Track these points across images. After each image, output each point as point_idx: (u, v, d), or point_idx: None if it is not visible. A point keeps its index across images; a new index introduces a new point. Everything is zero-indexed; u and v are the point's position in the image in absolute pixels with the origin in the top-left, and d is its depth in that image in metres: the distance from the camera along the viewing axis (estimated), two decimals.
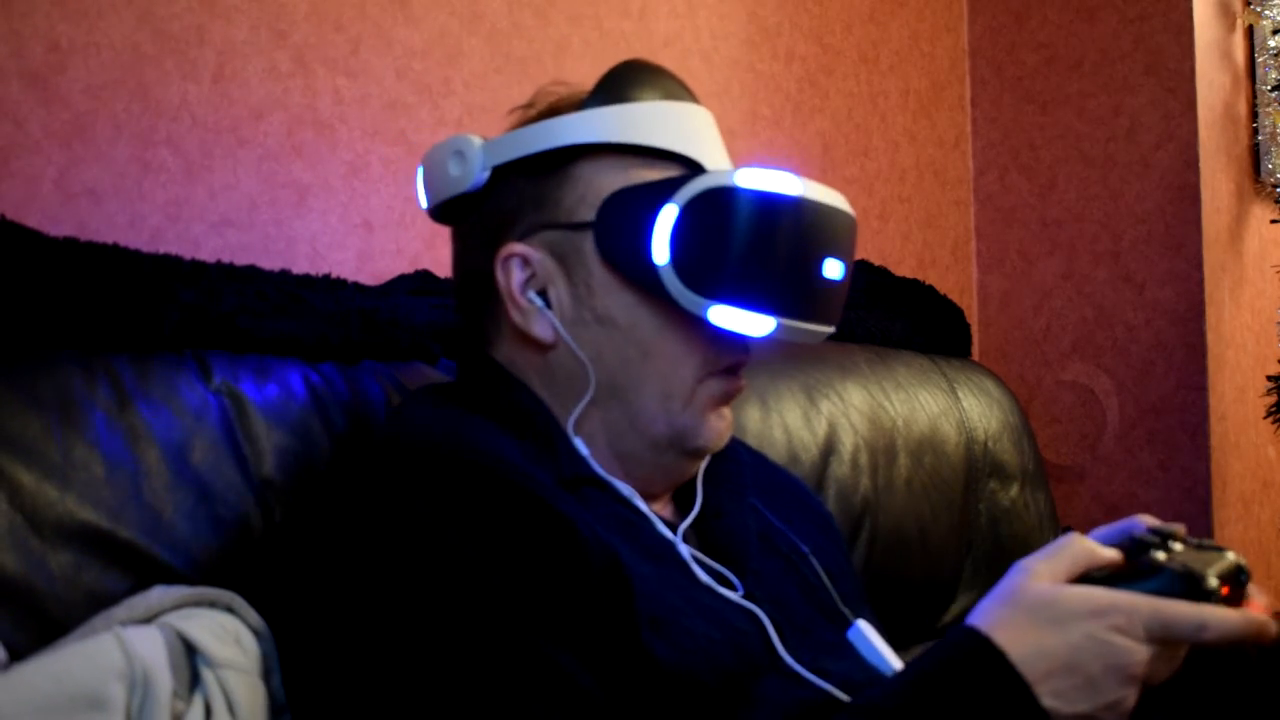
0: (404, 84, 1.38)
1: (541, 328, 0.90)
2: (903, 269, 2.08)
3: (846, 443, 1.48)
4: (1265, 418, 2.10)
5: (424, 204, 0.98)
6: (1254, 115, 2.23)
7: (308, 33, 1.29)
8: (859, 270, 1.87)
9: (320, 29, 1.30)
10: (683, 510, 0.96)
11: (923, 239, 2.18)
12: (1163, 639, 0.65)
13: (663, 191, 0.86)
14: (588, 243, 0.89)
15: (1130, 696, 0.66)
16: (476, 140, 0.93)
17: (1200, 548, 0.72)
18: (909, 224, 2.15)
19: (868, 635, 0.89)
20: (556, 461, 0.87)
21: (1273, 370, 2.14)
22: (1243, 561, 0.72)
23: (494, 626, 0.71)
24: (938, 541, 1.55)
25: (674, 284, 0.85)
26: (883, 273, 1.85)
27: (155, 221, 1.17)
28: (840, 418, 1.49)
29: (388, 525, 0.74)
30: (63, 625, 0.81)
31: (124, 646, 0.75)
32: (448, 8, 1.42)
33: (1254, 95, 2.22)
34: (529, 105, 0.96)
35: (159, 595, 0.82)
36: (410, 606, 0.71)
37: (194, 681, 0.78)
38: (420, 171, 0.98)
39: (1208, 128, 2.07)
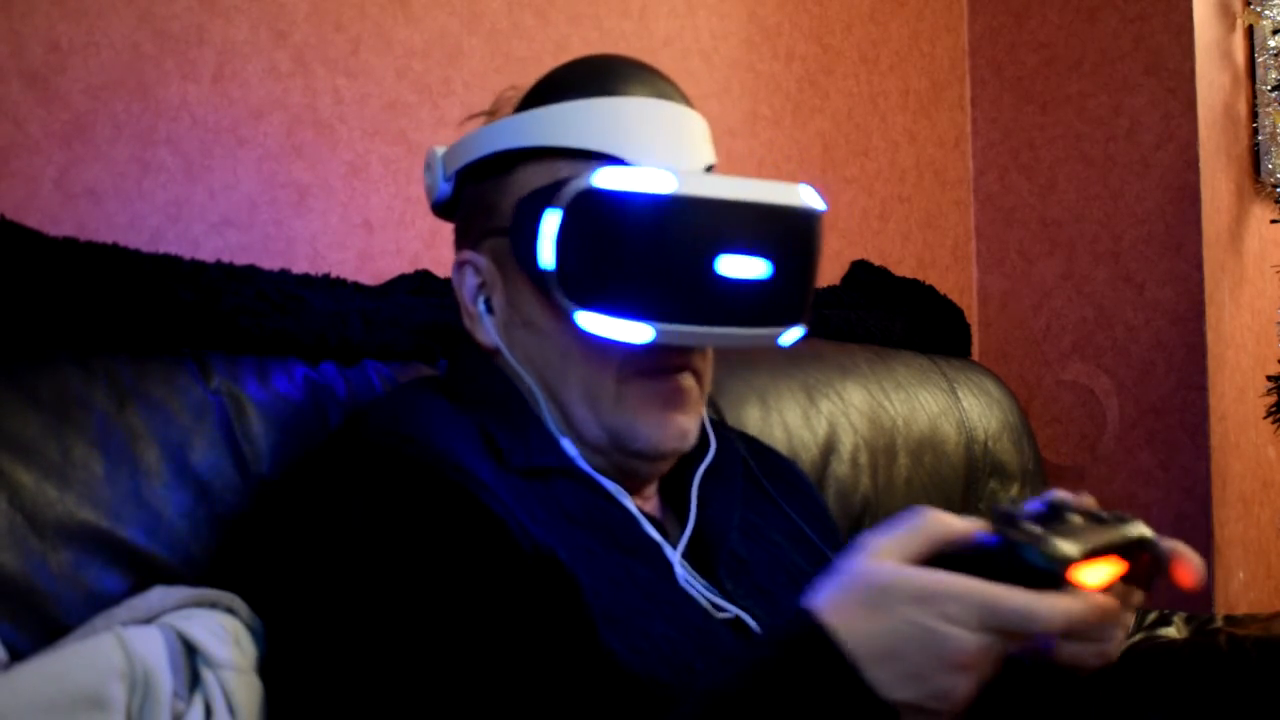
0: (404, 84, 1.38)
1: (484, 334, 0.92)
2: (903, 269, 2.08)
3: (846, 442, 1.48)
4: (1265, 418, 2.10)
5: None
6: (1254, 115, 2.23)
7: (308, 33, 1.29)
8: (859, 270, 1.87)
9: (320, 29, 1.30)
10: (669, 504, 0.96)
11: (923, 239, 2.18)
12: (996, 629, 0.60)
13: (551, 194, 0.84)
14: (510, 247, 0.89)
15: (960, 686, 0.61)
16: (440, 150, 0.95)
17: (1101, 521, 0.67)
18: (909, 224, 2.15)
19: None
20: (527, 450, 0.86)
21: (1273, 370, 2.14)
22: (1144, 535, 0.67)
23: (421, 619, 0.72)
24: None
25: (556, 290, 0.83)
26: (883, 273, 1.85)
27: (155, 221, 1.17)
28: (840, 417, 1.49)
29: (326, 521, 0.77)
30: (63, 625, 0.81)
31: (125, 646, 0.75)
32: (448, 8, 1.42)
33: (1254, 95, 2.22)
34: (491, 110, 0.96)
35: (159, 596, 0.82)
36: (342, 597, 0.74)
37: (194, 682, 0.78)
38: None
39: (1208, 128, 2.07)
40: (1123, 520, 0.68)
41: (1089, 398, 2.14)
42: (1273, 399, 2.08)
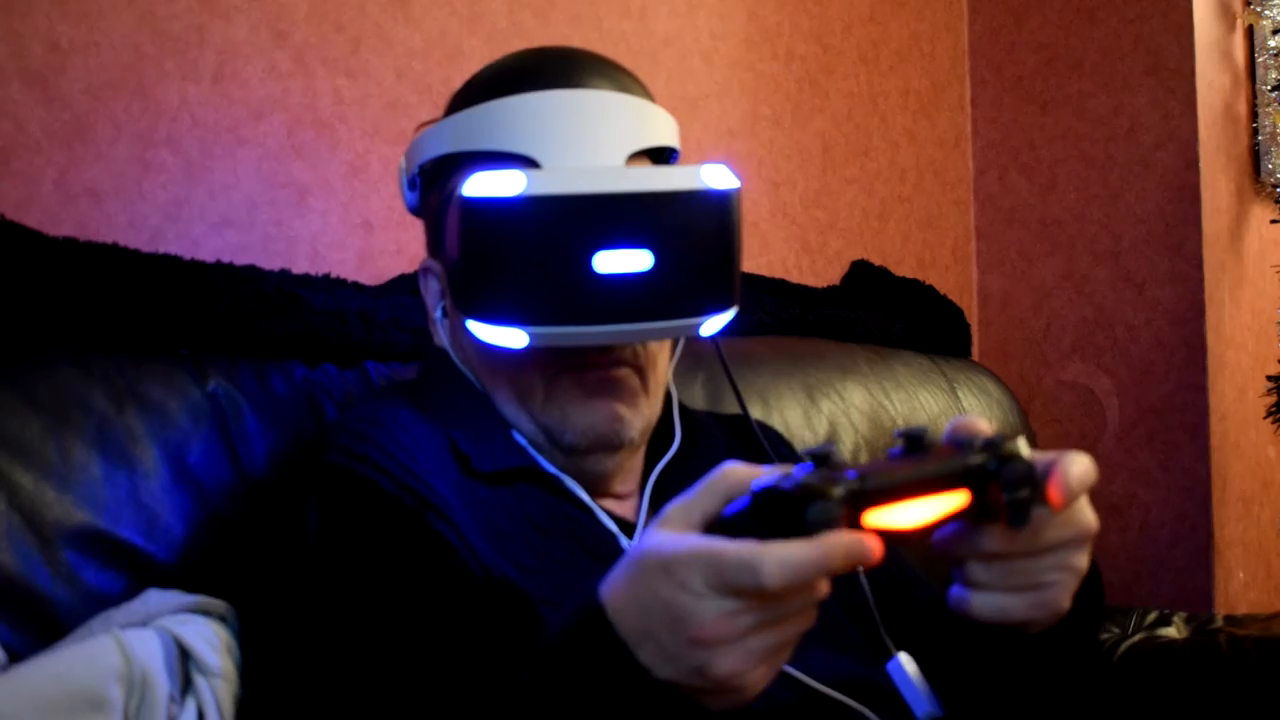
0: (404, 84, 1.38)
1: (438, 338, 0.94)
2: (903, 269, 2.08)
3: (847, 442, 1.48)
4: (1265, 418, 2.10)
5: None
6: (1254, 115, 2.23)
7: (308, 33, 1.29)
8: (859, 270, 1.87)
9: (320, 29, 1.30)
10: (654, 506, 0.93)
11: (923, 239, 2.18)
12: (730, 591, 0.54)
13: (447, 201, 0.85)
14: None
15: (715, 661, 0.55)
16: (403, 159, 0.95)
17: (959, 447, 0.60)
18: (909, 224, 2.15)
19: (907, 670, 0.78)
20: (492, 454, 0.86)
21: (1273, 370, 2.14)
22: (979, 463, 0.59)
23: (370, 628, 0.74)
24: None
25: (451, 297, 0.86)
26: (883, 273, 1.85)
27: (155, 221, 1.17)
28: (840, 417, 1.49)
29: (288, 533, 0.80)
30: (62, 625, 0.81)
31: (123, 648, 0.75)
32: (448, 8, 1.42)
33: (1254, 95, 2.22)
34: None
35: (156, 601, 0.82)
36: (302, 608, 0.76)
37: (186, 685, 0.79)
38: None
39: (1208, 128, 2.07)
40: (989, 446, 0.60)
41: (1089, 398, 2.14)
42: (1273, 399, 2.08)
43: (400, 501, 0.79)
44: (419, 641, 0.74)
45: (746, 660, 0.55)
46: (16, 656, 0.77)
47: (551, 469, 0.87)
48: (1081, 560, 0.66)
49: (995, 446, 0.60)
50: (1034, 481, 0.61)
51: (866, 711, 0.79)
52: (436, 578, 0.77)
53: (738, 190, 0.82)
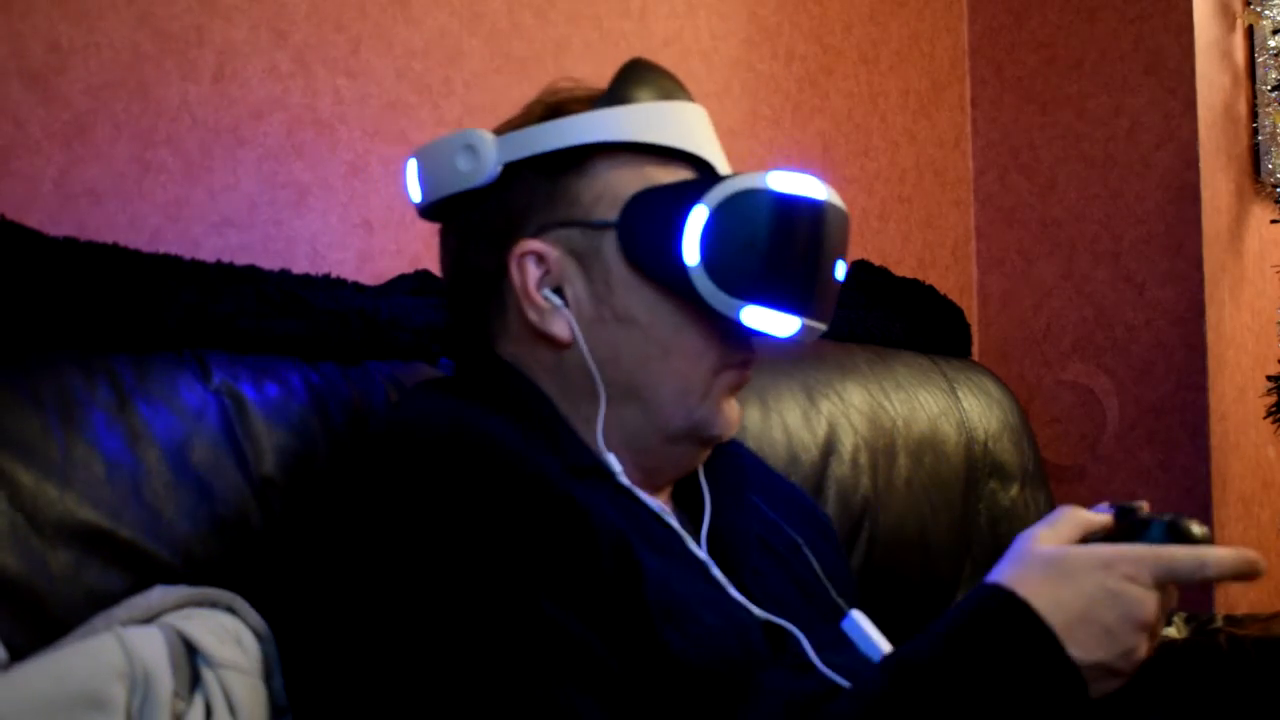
0: (404, 84, 1.38)
1: (559, 326, 0.89)
2: (903, 269, 2.08)
3: (846, 443, 1.48)
4: (1265, 418, 2.10)
5: (416, 199, 0.97)
6: (1254, 115, 2.23)
7: (308, 33, 1.29)
8: (859, 270, 1.87)
9: (320, 29, 1.30)
10: (680, 503, 0.97)
11: (923, 239, 2.18)
12: (1168, 581, 0.70)
13: (691, 193, 0.87)
14: (608, 242, 0.88)
15: (1143, 645, 0.70)
16: (489, 135, 0.91)
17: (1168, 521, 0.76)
18: (909, 224, 2.15)
19: (862, 625, 0.90)
20: (561, 451, 0.86)
21: (1273, 370, 2.14)
22: (1205, 531, 0.75)
23: (507, 615, 0.70)
24: (938, 541, 1.55)
25: (705, 285, 0.86)
26: (883, 273, 1.85)
27: (155, 221, 1.17)
28: (840, 418, 1.49)
29: (391, 518, 0.74)
30: (63, 625, 0.81)
31: (124, 646, 0.75)
32: (448, 8, 1.42)
33: (1254, 95, 2.22)
34: (537, 101, 0.95)
35: (159, 595, 0.82)
36: (418, 602, 0.71)
37: (194, 682, 0.78)
38: (414, 166, 0.96)
39: (1208, 128, 2.07)
40: (1181, 521, 0.75)
41: (1089, 398, 2.14)
42: (1273, 399, 2.08)
43: (518, 469, 0.76)
44: (566, 607, 0.73)
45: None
46: (17, 655, 0.77)
47: (615, 469, 0.88)
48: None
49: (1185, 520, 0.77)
50: None
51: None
52: (577, 541, 0.75)
53: None
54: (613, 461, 0.88)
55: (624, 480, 0.88)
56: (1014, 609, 0.70)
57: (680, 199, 0.87)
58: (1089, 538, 0.75)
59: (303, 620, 0.79)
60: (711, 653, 0.79)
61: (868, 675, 0.74)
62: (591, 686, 0.71)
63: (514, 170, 0.90)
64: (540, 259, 0.89)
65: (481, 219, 0.93)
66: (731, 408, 0.93)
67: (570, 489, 0.77)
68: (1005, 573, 0.73)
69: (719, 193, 0.86)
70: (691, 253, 0.85)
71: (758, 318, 0.87)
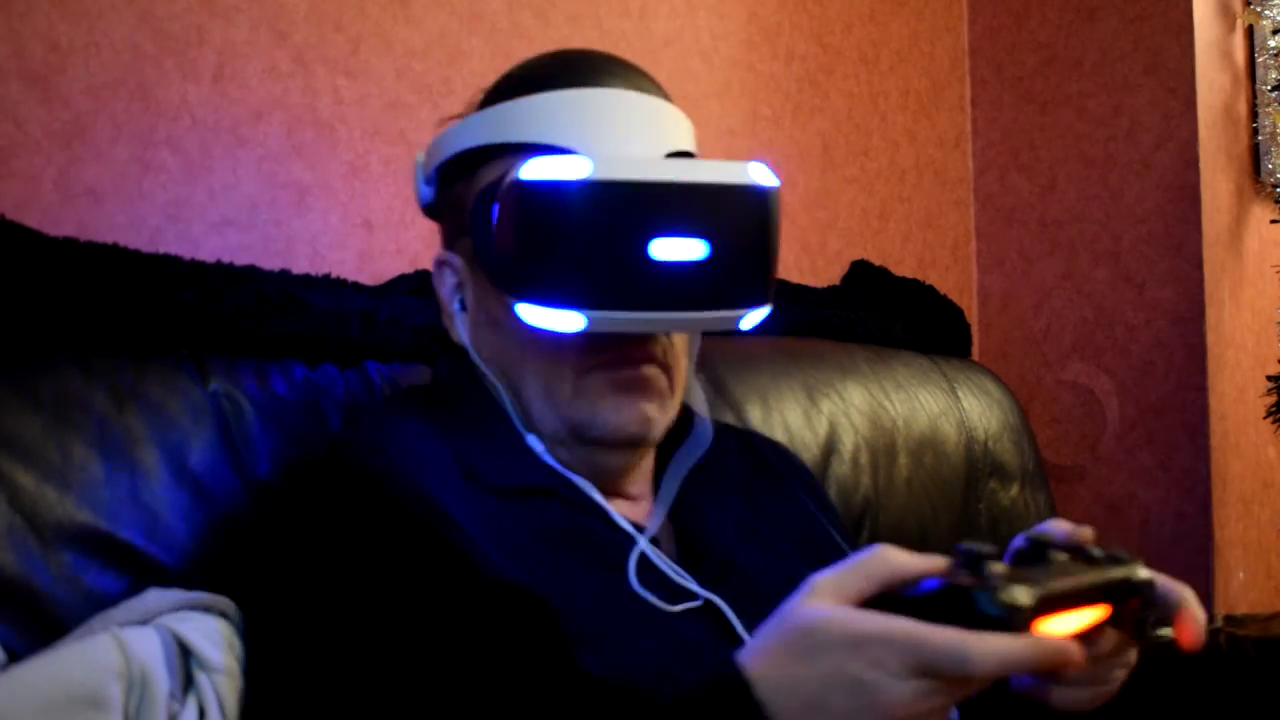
0: (404, 84, 1.38)
1: (456, 334, 0.93)
2: (903, 269, 2.08)
3: (847, 442, 1.48)
4: (1265, 418, 2.10)
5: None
6: (1254, 115, 2.22)
7: (308, 33, 1.29)
8: (859, 270, 1.87)
9: (320, 29, 1.30)
10: (679, 509, 0.94)
11: (923, 239, 2.18)
12: (930, 674, 0.56)
13: (495, 189, 0.84)
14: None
15: None
16: (420, 155, 0.95)
17: (1090, 561, 0.63)
18: (909, 224, 2.15)
19: None
20: (502, 470, 0.86)
21: (1273, 370, 2.14)
22: (1132, 575, 0.63)
23: (385, 641, 0.73)
24: (938, 541, 1.55)
25: (499, 282, 0.85)
26: (883, 273, 1.85)
27: (155, 221, 1.17)
28: (841, 417, 1.49)
29: (303, 549, 0.78)
30: (62, 625, 0.81)
31: (122, 647, 0.75)
32: (448, 8, 1.42)
33: (1254, 95, 2.22)
34: (462, 112, 0.96)
35: (155, 599, 0.82)
36: (316, 619, 0.75)
37: (188, 683, 0.79)
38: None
39: (1208, 128, 2.07)
40: (1116, 561, 0.63)
41: (1089, 398, 2.14)
42: (1273, 399, 2.08)
43: (415, 515, 0.78)
44: (441, 652, 0.74)
45: None
46: (16, 657, 0.77)
47: (572, 476, 0.87)
48: (1134, 656, 0.73)
49: (1123, 562, 0.64)
50: (1156, 600, 0.66)
51: None
52: (456, 588, 0.76)
53: (778, 188, 0.85)
54: (534, 442, 0.87)
55: (563, 470, 0.87)
56: (736, 689, 0.60)
57: (491, 198, 0.84)
58: (899, 590, 0.60)
59: (253, 621, 0.84)
60: (642, 675, 0.76)
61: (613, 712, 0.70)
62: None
63: (441, 182, 0.93)
64: (452, 269, 0.93)
65: (439, 229, 0.98)
66: (620, 409, 0.86)
67: (468, 530, 0.78)
68: (758, 638, 0.62)
69: (503, 187, 0.82)
70: (489, 250, 0.85)
71: (534, 315, 0.82)
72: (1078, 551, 0.63)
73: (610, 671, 0.75)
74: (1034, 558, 0.62)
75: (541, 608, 0.76)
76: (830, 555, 0.96)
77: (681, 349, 0.91)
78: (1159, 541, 2.05)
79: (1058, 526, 0.68)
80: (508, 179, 0.81)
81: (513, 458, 0.87)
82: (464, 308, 0.92)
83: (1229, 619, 1.57)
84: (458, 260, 0.92)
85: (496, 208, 0.83)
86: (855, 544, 1.39)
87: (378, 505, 0.79)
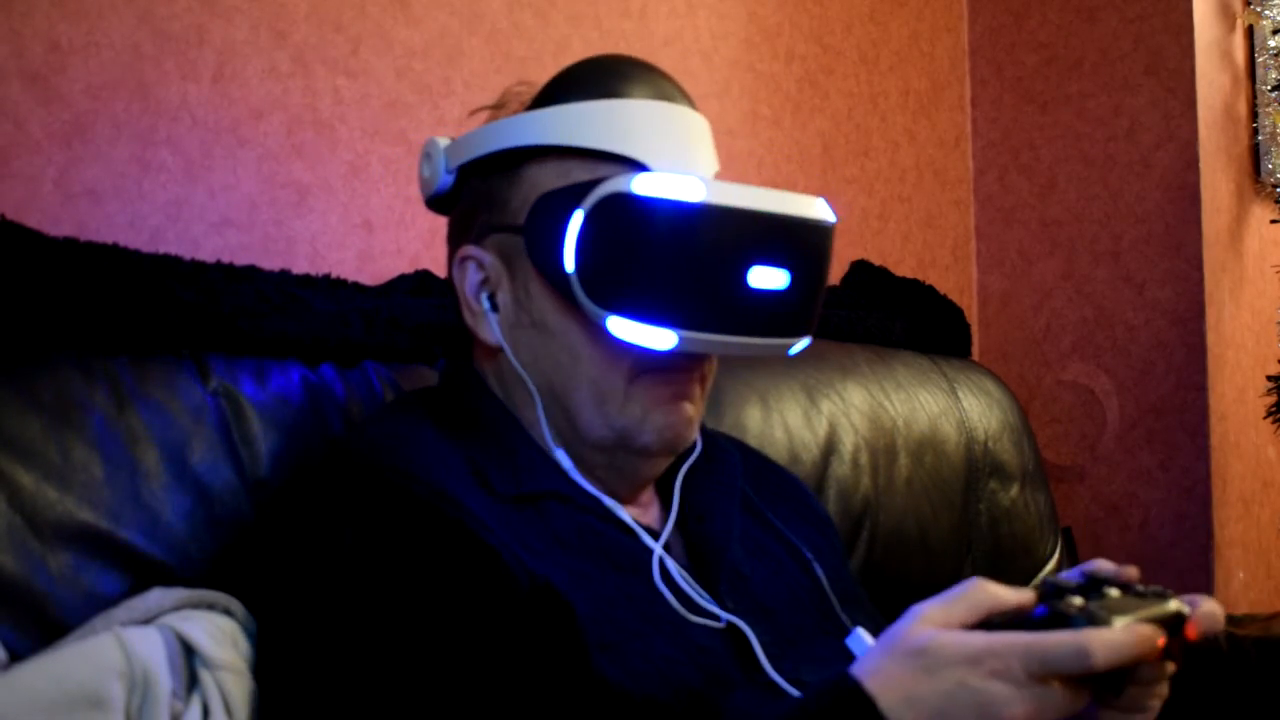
0: (404, 84, 1.38)
1: (487, 332, 0.90)
2: (903, 269, 2.08)
3: (847, 442, 1.48)
4: (1265, 418, 2.10)
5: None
6: (1254, 115, 2.22)
7: (308, 33, 1.29)
8: (859, 270, 1.87)
9: (320, 29, 1.30)
10: (668, 513, 0.95)
11: (923, 239, 2.18)
12: (1047, 675, 0.59)
13: (576, 196, 0.83)
14: (524, 246, 0.88)
15: None
16: (442, 142, 0.93)
17: (1141, 595, 0.67)
18: (909, 224, 2.15)
19: (866, 642, 0.86)
20: (516, 476, 0.85)
21: (1273, 370, 2.14)
22: (1182, 609, 0.67)
23: (411, 647, 0.73)
24: (938, 541, 1.55)
25: (579, 292, 0.83)
26: (883, 273, 1.85)
27: (155, 221, 1.17)
28: (841, 417, 1.49)
29: (320, 548, 0.77)
30: (62, 625, 0.81)
31: (124, 646, 0.75)
32: (448, 8, 1.42)
33: (1254, 95, 2.22)
34: (498, 105, 0.95)
35: (158, 597, 0.82)
36: (334, 625, 0.74)
37: (192, 682, 0.79)
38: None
39: (1208, 128, 2.07)
40: (1161, 595, 0.67)
41: (1089, 398, 2.14)
42: (1273, 399, 2.08)
43: (438, 507, 0.78)
44: (468, 655, 0.73)
45: None
46: (17, 657, 0.77)
47: (581, 480, 0.87)
48: (1167, 689, 0.76)
49: (1168, 597, 0.68)
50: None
51: None
52: (488, 590, 0.76)
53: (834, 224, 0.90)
54: (563, 458, 0.88)
55: (584, 483, 0.87)
56: (857, 703, 0.62)
57: (567, 202, 0.84)
58: (993, 619, 0.64)
59: (263, 628, 0.83)
60: (656, 682, 0.76)
61: None
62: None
63: (465, 175, 0.92)
64: (479, 264, 0.91)
65: (450, 223, 0.96)
66: (668, 417, 0.87)
67: (493, 531, 0.78)
68: (871, 657, 0.65)
69: (593, 196, 0.82)
70: (570, 258, 0.83)
71: (625, 329, 0.82)
72: (1125, 587, 0.68)
73: (625, 677, 0.75)
74: (1091, 591, 0.66)
75: (567, 611, 0.76)
76: (826, 567, 0.97)
77: (715, 362, 0.93)
78: (1159, 541, 2.05)
79: (1104, 564, 0.71)
80: (607, 189, 0.81)
81: (529, 467, 0.87)
82: (494, 306, 0.90)
83: (1229, 619, 1.57)
84: (488, 257, 0.90)
85: (582, 215, 0.82)
86: (851, 550, 1.41)
87: (400, 505, 0.78)
